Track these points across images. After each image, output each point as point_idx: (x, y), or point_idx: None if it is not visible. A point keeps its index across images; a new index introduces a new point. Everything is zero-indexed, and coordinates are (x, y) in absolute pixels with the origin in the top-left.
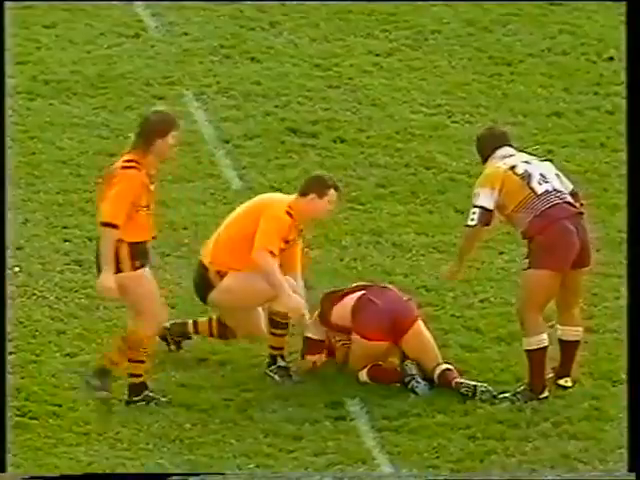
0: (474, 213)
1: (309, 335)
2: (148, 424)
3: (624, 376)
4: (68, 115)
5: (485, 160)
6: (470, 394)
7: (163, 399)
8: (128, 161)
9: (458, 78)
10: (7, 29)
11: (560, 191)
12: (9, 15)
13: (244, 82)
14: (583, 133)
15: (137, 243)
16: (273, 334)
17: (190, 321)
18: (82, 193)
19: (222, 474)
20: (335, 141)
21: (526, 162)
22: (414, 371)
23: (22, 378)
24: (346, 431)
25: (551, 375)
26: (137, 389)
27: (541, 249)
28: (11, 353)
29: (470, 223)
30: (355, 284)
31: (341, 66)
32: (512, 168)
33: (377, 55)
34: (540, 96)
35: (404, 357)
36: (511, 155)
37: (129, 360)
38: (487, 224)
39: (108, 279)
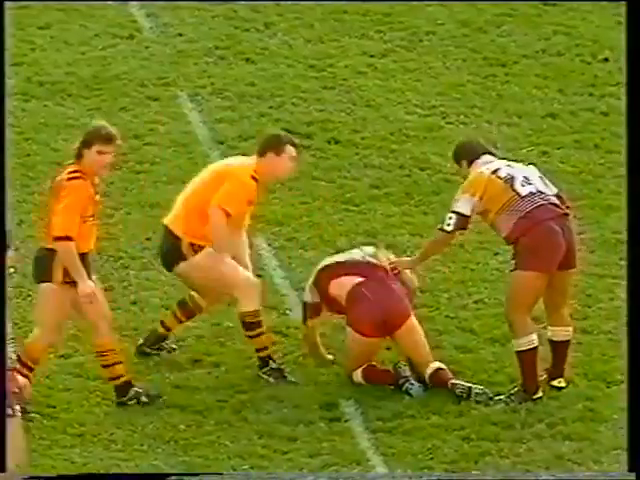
0: (450, 218)
1: (306, 300)
2: (142, 425)
3: (619, 377)
4: (63, 116)
5: (469, 166)
6: (465, 395)
7: (153, 393)
8: (73, 172)
9: (453, 79)
10: (7, 29)
11: (544, 193)
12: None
13: (239, 83)
14: (578, 134)
15: (82, 254)
16: (250, 337)
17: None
18: None
19: (219, 474)
20: (329, 142)
21: (509, 166)
22: (407, 373)
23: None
24: (340, 432)
25: (544, 376)
26: (122, 390)
27: (527, 250)
28: None
29: (446, 228)
30: (355, 256)
31: (335, 67)
32: (495, 172)
33: (372, 56)
34: (535, 97)
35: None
36: (492, 161)
37: (102, 366)
38: (463, 229)
39: (86, 287)
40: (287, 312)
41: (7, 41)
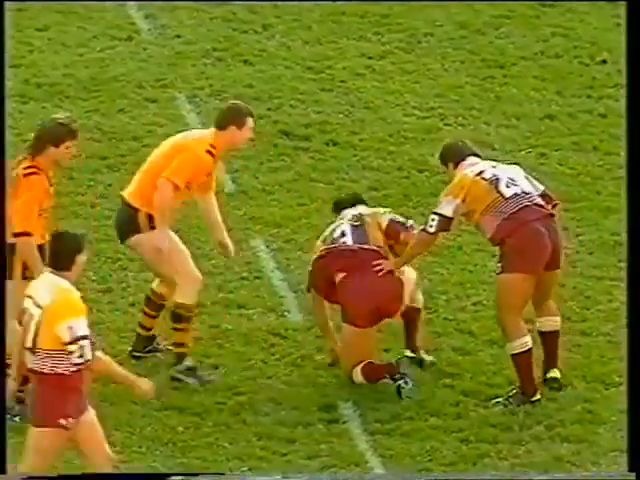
0: (433, 220)
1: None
2: (141, 427)
3: (617, 379)
4: None
5: (455, 167)
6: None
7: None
8: (28, 167)
9: (451, 81)
10: (7, 30)
11: (529, 193)
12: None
13: (236, 85)
14: (576, 136)
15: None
16: (175, 329)
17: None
18: (74, 196)
19: (221, 474)
20: (328, 144)
21: (493, 167)
22: (407, 370)
23: (13, 380)
24: (339, 434)
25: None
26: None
27: (513, 252)
28: None
29: (429, 230)
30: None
31: (334, 69)
32: (480, 173)
33: (370, 58)
34: (533, 99)
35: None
36: (477, 163)
37: None
38: (445, 231)
39: None
40: (285, 314)
41: (12, 36)
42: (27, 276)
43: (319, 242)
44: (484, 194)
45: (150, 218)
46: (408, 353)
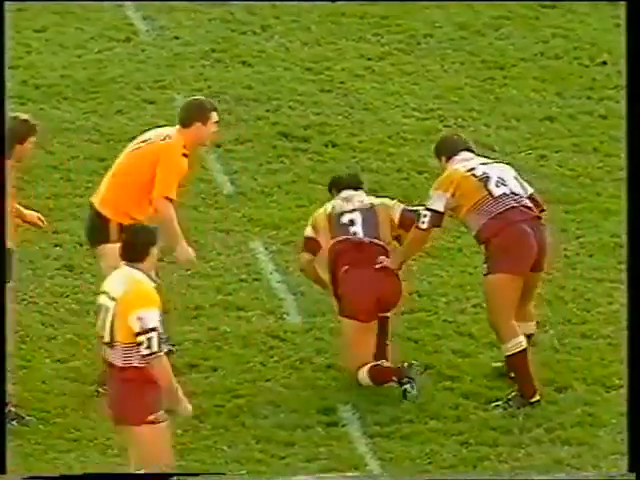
0: (425, 216)
1: (307, 235)
2: None
3: (617, 382)
4: (58, 120)
5: (447, 161)
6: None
7: None
8: None
9: (450, 82)
10: (7, 31)
11: (518, 194)
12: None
13: (235, 86)
14: (576, 137)
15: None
16: None
17: None
18: (72, 198)
19: (222, 474)
20: (327, 145)
21: (484, 165)
22: (414, 375)
23: (12, 384)
24: (338, 437)
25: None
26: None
27: (499, 252)
28: None
29: (421, 226)
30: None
31: (333, 70)
32: (470, 170)
33: (369, 59)
34: (533, 100)
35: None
36: (471, 159)
37: None
38: (437, 226)
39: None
40: (284, 316)
41: (9, 37)
42: None
43: (322, 216)
44: (473, 191)
45: (121, 229)
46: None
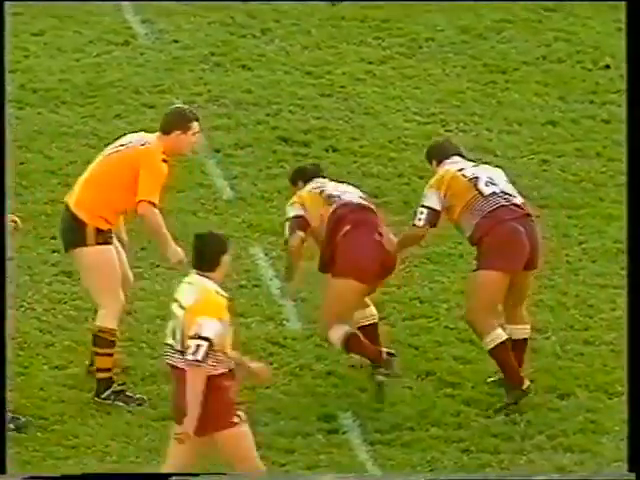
0: (422, 213)
1: (298, 214)
2: (137, 437)
3: (620, 388)
4: (57, 124)
5: (438, 165)
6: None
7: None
8: None
9: (452, 86)
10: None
11: (508, 194)
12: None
13: (235, 90)
14: (579, 142)
15: None
16: (98, 354)
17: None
18: None
19: (222, 474)
20: (327, 150)
21: (475, 167)
22: (391, 370)
23: (10, 391)
24: (339, 444)
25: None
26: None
27: (490, 250)
28: None
29: (418, 223)
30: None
31: (333, 74)
32: (460, 170)
33: (370, 63)
34: (535, 104)
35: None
36: (460, 162)
37: None
38: (433, 225)
39: None
40: (284, 322)
41: (7, 41)
42: None
43: (309, 194)
44: (464, 190)
45: (98, 233)
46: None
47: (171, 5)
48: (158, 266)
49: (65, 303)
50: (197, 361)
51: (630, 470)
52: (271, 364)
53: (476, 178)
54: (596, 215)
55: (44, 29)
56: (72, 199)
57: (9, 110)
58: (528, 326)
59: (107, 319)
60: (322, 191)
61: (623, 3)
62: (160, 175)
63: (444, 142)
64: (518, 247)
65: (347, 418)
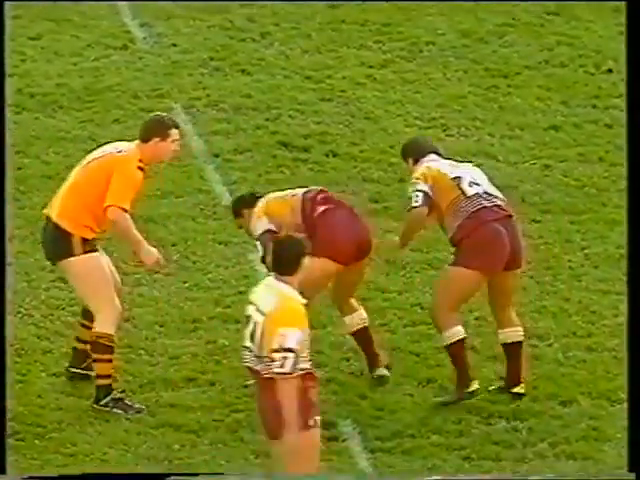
0: (417, 196)
1: (266, 228)
2: (136, 445)
3: (623, 396)
4: (54, 129)
5: (415, 163)
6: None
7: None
8: None
9: (453, 90)
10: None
11: (490, 194)
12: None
13: (234, 95)
14: (581, 147)
15: None
16: (97, 360)
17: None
18: None
19: (221, 474)
20: (327, 155)
21: (455, 167)
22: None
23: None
24: (339, 452)
25: (502, 385)
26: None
27: (469, 249)
28: None
29: (414, 204)
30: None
31: (333, 78)
32: (442, 169)
33: (370, 67)
34: (537, 109)
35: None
36: (438, 160)
37: None
38: (430, 210)
39: None
40: None
41: (9, 35)
42: None
43: (274, 200)
44: (448, 189)
45: (84, 242)
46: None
47: (170, 9)
48: (157, 272)
49: (63, 309)
50: (285, 374)
51: (630, 470)
52: None
53: (459, 178)
54: (599, 220)
55: (41, 33)
56: (54, 210)
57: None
58: (520, 328)
59: (105, 325)
60: (284, 194)
61: (624, 5)
62: (132, 181)
63: (420, 139)
64: (498, 249)
65: (347, 425)
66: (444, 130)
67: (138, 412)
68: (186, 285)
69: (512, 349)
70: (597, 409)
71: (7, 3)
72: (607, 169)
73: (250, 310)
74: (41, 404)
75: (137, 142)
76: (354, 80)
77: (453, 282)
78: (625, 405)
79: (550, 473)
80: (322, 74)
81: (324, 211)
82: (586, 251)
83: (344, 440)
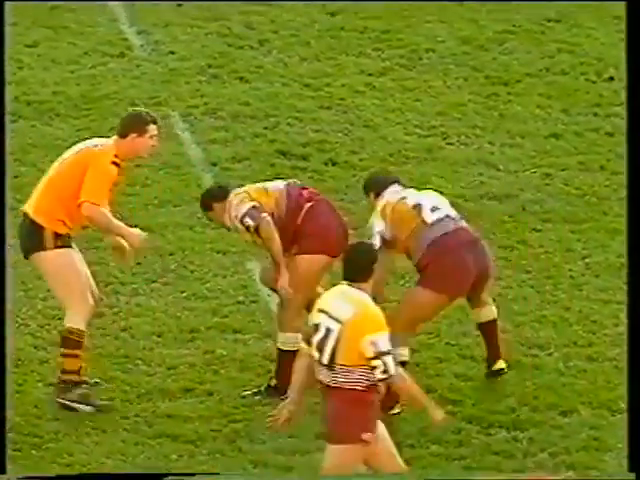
0: (375, 237)
1: (253, 205)
2: (133, 455)
3: (623, 405)
4: (51, 137)
5: (376, 197)
6: None
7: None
8: None
9: (453, 98)
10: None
11: (453, 218)
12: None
13: (232, 103)
14: (582, 155)
15: None
16: (66, 355)
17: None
18: None
19: (217, 474)
20: (326, 164)
21: (417, 195)
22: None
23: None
24: None
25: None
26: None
27: (433, 274)
28: None
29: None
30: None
31: (332, 86)
32: (402, 199)
33: (369, 75)
34: (538, 117)
35: None
36: (400, 190)
37: None
38: (390, 247)
39: None
40: None
41: (7, 40)
42: None
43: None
44: (407, 219)
45: (57, 237)
46: None
47: (167, 16)
48: (154, 282)
49: (60, 319)
50: (392, 376)
51: (630, 470)
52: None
53: (419, 205)
54: (600, 229)
55: (38, 40)
56: (31, 207)
57: None
58: (493, 307)
59: (75, 320)
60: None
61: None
62: (107, 177)
63: (379, 173)
64: (463, 275)
65: None
66: (444, 138)
67: (101, 410)
68: (184, 295)
69: (486, 327)
70: (598, 419)
71: (6, 5)
72: (608, 177)
73: (320, 318)
74: (38, 414)
75: (115, 137)
76: (353, 88)
77: (412, 302)
78: (626, 415)
79: None
80: (321, 82)
81: (312, 206)
82: (587, 260)
83: None
